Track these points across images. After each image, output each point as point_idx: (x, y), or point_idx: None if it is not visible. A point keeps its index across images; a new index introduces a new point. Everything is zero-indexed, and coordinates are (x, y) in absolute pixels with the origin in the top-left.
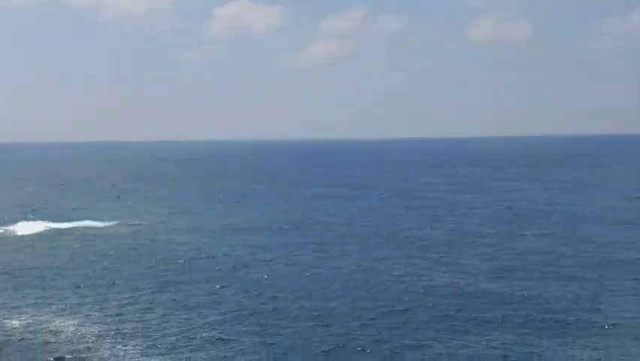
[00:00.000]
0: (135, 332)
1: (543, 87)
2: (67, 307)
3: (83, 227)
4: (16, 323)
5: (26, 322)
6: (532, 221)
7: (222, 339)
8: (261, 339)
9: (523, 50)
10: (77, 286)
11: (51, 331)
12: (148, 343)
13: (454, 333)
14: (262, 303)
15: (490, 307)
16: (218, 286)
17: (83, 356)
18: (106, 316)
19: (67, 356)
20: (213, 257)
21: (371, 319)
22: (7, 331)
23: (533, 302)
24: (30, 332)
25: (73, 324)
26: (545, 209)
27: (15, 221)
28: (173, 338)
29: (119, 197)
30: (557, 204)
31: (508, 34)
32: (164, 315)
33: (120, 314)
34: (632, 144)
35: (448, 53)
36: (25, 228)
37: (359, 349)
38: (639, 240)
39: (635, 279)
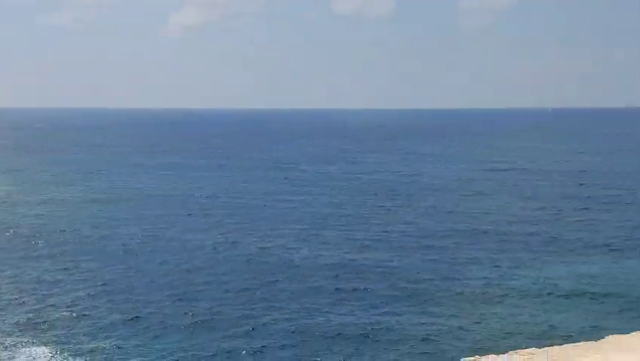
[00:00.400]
0: None
1: (404, 61)
2: None
3: None
4: None
5: None
6: (393, 193)
7: (82, 315)
8: (123, 315)
9: (386, 24)
10: None
11: None
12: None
13: (322, 305)
14: (125, 277)
15: (355, 278)
16: (78, 260)
17: None
18: None
19: None
20: (73, 230)
21: (238, 292)
22: None
23: (395, 273)
24: None
25: None
26: (406, 181)
27: None
28: (31, 314)
29: None
30: (417, 176)
31: (372, 8)
32: (20, 291)
33: None
34: (492, 117)
35: (314, 24)
36: None
37: (225, 323)
38: (493, 210)
39: (489, 247)
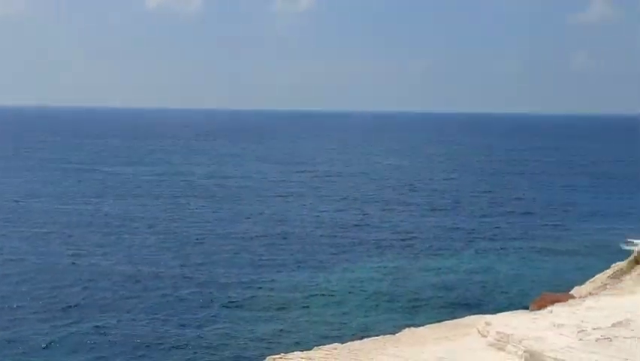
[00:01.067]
0: None
1: (221, 59)
2: None
3: None
4: None
5: None
6: (203, 195)
7: None
8: None
9: (195, 21)
10: None
11: None
12: None
13: (129, 314)
14: None
15: (164, 285)
16: None
17: None
18: None
19: None
20: None
21: (41, 302)
22: None
23: (204, 278)
24: None
25: None
26: (216, 182)
27: None
28: None
29: None
30: (227, 178)
31: (181, 4)
32: None
33: None
34: (308, 118)
35: (123, 18)
36: None
37: (27, 336)
38: (302, 212)
39: (296, 250)
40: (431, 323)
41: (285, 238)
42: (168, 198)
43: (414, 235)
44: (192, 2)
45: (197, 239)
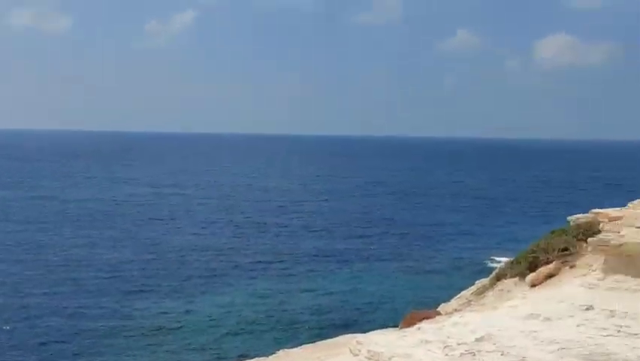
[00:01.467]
0: None
1: (92, 80)
2: None
3: None
4: None
5: None
6: (71, 220)
7: None
8: None
9: (66, 40)
10: None
11: None
12: None
13: (4, 346)
14: None
15: (20, 318)
16: None
17: None
18: None
19: None
20: None
21: None
22: None
23: (63, 310)
24: None
25: None
26: (84, 206)
27: None
28: None
29: None
30: (94, 201)
31: (49, 24)
32: None
33: None
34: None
35: None
36: None
37: None
38: (173, 236)
39: (168, 276)
40: (306, 343)
41: (157, 263)
42: (34, 223)
43: (288, 257)
44: (62, 21)
45: (64, 266)
